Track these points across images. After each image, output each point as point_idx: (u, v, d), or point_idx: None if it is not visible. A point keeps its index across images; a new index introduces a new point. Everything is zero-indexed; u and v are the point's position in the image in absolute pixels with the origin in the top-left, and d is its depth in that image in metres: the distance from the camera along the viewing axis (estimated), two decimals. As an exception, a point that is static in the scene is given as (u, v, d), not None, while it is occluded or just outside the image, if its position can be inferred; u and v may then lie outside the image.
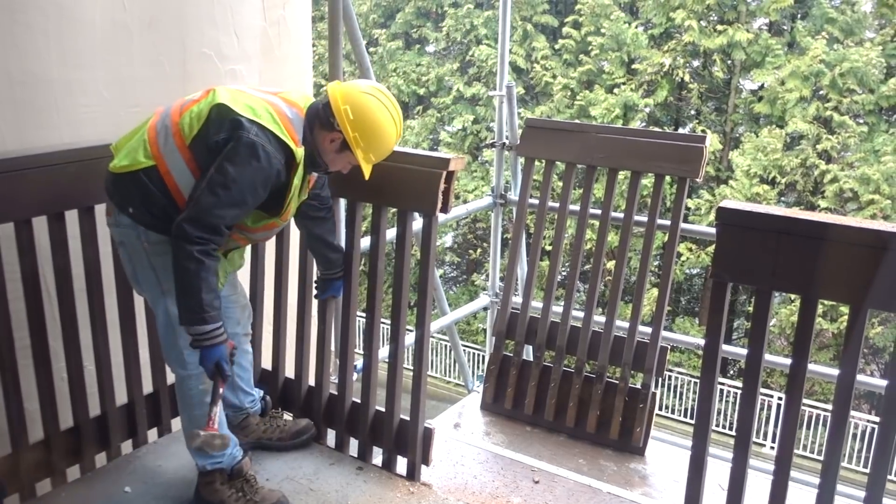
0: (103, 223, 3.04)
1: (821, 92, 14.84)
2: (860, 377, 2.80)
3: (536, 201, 4.44)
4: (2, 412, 2.88)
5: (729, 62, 16.26)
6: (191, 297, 2.55)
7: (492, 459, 3.76)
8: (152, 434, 3.42)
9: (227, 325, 2.91)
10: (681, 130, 17.15)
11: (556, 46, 17.99)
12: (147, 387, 3.35)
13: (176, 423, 3.50)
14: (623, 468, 3.99)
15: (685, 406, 15.10)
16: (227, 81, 3.73)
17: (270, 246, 3.50)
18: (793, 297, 12.22)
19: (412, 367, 3.28)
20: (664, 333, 4.15)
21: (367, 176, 2.77)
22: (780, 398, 13.44)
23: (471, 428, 4.34)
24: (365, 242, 3.42)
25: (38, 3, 2.97)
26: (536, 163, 4.41)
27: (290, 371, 3.58)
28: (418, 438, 3.26)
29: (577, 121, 15.33)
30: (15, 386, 2.85)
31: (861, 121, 14.76)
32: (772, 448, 13.04)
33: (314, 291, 3.41)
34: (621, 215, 4.19)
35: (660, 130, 12.83)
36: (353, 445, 3.43)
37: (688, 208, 15.12)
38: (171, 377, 3.39)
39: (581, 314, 4.31)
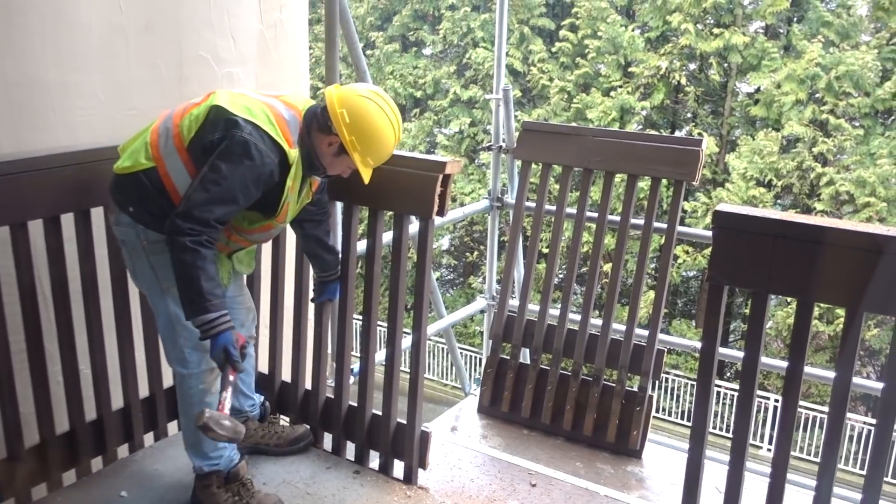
0: (99, 227, 3.05)
1: (817, 95, 14.86)
2: (856, 380, 2.81)
3: (533, 204, 4.44)
4: (-3, 416, 2.87)
5: (725, 65, 16.28)
6: (190, 287, 2.54)
7: (489, 463, 3.75)
8: (149, 438, 3.42)
9: None
10: (677, 133, 17.17)
11: (553, 49, 18.00)
12: (143, 390, 3.34)
13: (172, 427, 3.50)
14: (620, 471, 3.99)
15: (682, 408, 15.11)
16: (224, 84, 3.72)
17: (267, 249, 3.50)
18: (789, 299, 12.24)
19: (409, 371, 3.28)
20: (661, 336, 4.15)
21: (366, 180, 2.77)
22: (776, 400, 13.45)
23: (468, 431, 4.34)
24: (361, 246, 3.42)
25: (35, 6, 2.97)
26: (533, 166, 4.42)
27: (286, 375, 3.58)
28: (415, 442, 3.26)
29: (573, 124, 15.35)
30: (10, 390, 2.84)
31: (857, 124, 14.78)
32: (769, 450, 13.05)
33: (311, 295, 3.42)
34: (618, 218, 4.20)
35: (656, 133, 12.85)
36: (350, 449, 3.43)
37: (684, 211, 15.14)
38: (167, 381, 3.40)
39: (578, 317, 4.31)
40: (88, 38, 3.15)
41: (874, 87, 14.32)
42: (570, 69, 17.54)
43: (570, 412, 4.23)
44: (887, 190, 13.76)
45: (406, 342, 3.69)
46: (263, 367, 3.60)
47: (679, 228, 4.12)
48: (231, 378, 2.65)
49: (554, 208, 4.38)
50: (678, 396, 15.24)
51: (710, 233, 2.64)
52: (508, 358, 4.46)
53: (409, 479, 3.30)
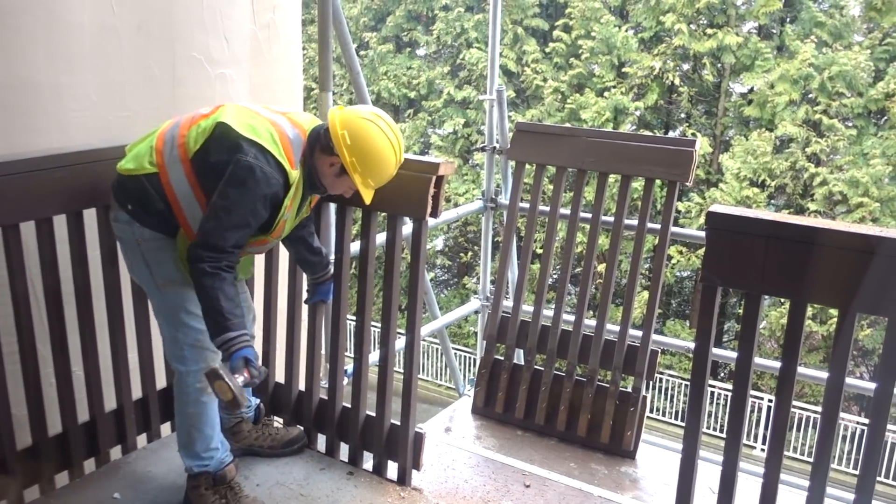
0: (92, 228, 3.04)
1: (810, 95, 14.90)
2: (849, 380, 2.81)
3: (527, 205, 4.44)
4: (-11, 418, 2.86)
5: (718, 66, 16.31)
6: (212, 308, 2.63)
7: (483, 463, 3.76)
8: (142, 440, 3.41)
9: None
10: (671, 134, 17.20)
11: (547, 50, 18.00)
12: (136, 392, 3.33)
13: (165, 429, 3.49)
14: (614, 471, 3.99)
15: (676, 409, 15.13)
16: (217, 85, 3.72)
17: (260, 250, 3.49)
18: (783, 300, 12.26)
19: (403, 372, 3.28)
20: (655, 336, 4.16)
21: (367, 201, 2.84)
22: (770, 400, 13.49)
23: (462, 432, 4.33)
24: (355, 247, 3.42)
25: (28, 7, 2.96)
26: (527, 166, 4.42)
27: (279, 376, 3.57)
28: (409, 443, 3.26)
29: (567, 124, 15.36)
30: (2, 391, 2.83)
31: (850, 124, 14.82)
32: (762, 450, 13.08)
33: (304, 296, 3.41)
34: (612, 219, 4.20)
35: (650, 134, 12.87)
36: (344, 450, 3.43)
37: (678, 211, 15.16)
38: (160, 382, 3.39)
39: (572, 317, 4.31)
40: (81, 40, 3.14)
41: (867, 88, 14.35)
42: (564, 70, 17.55)
43: (564, 413, 4.23)
44: (880, 190, 13.80)
45: (400, 343, 3.68)
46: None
47: (673, 229, 4.12)
48: (246, 375, 2.61)
49: (548, 209, 4.39)
50: (672, 397, 15.27)
51: (703, 233, 2.64)
52: (502, 359, 4.46)
53: (403, 480, 3.30)
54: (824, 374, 2.58)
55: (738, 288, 2.55)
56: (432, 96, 19.57)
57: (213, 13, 3.62)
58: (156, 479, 3.19)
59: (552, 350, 4.30)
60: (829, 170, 14.56)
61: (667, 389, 15.27)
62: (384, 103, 19.90)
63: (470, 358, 15.60)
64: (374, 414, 3.32)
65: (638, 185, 10.62)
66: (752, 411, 13.56)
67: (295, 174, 2.69)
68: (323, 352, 3.56)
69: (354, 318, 3.38)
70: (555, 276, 12.47)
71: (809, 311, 3.04)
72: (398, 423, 3.28)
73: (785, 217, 2.43)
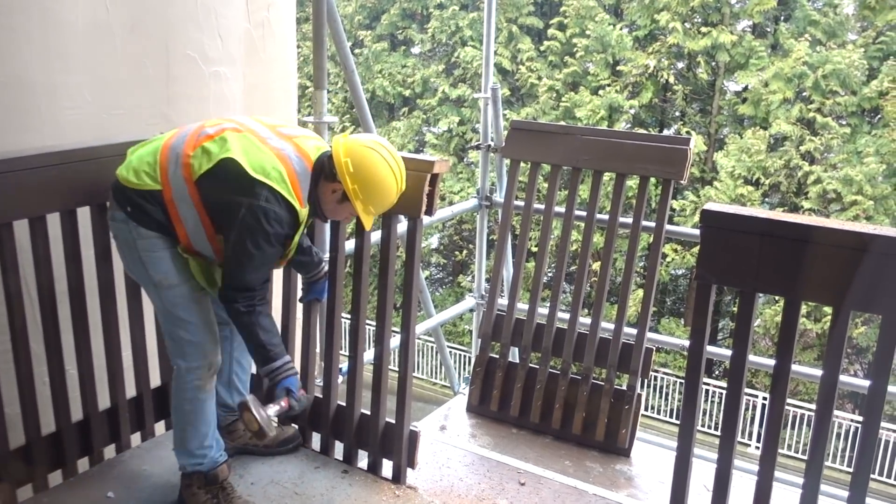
0: (86, 226, 3.03)
1: (804, 94, 14.92)
2: (843, 377, 2.82)
3: (522, 203, 4.44)
4: (-17, 417, 2.85)
5: (713, 64, 16.33)
6: (254, 342, 2.80)
7: (478, 462, 3.75)
8: (135, 439, 3.40)
9: None
10: (665, 132, 17.20)
11: (542, 48, 18.00)
12: (130, 391, 3.33)
13: (160, 428, 3.48)
14: (609, 469, 4.00)
15: (671, 407, 15.16)
16: (212, 84, 3.71)
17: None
18: (777, 298, 12.29)
19: (398, 370, 3.28)
20: (649, 334, 4.16)
21: (367, 227, 2.91)
22: (764, 398, 13.52)
23: (457, 430, 4.33)
24: (350, 245, 3.41)
25: (21, 6, 2.95)
26: (522, 164, 4.42)
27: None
28: (404, 441, 3.26)
29: (562, 122, 15.35)
30: (-4, 391, 2.82)
31: (844, 122, 14.85)
32: (757, 448, 13.10)
33: (299, 294, 3.41)
34: (606, 217, 4.20)
35: (644, 132, 12.87)
36: (339, 448, 3.42)
37: (672, 209, 15.18)
38: (154, 381, 3.39)
39: (567, 315, 4.31)
40: (75, 38, 3.13)
41: (860, 86, 14.38)
42: (559, 68, 17.56)
43: (558, 411, 4.23)
44: (874, 188, 13.83)
45: (395, 341, 3.68)
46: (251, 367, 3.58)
47: (667, 227, 4.12)
48: (283, 404, 2.82)
49: (543, 207, 4.39)
50: (667, 395, 15.29)
51: (698, 231, 2.64)
52: (497, 357, 4.46)
53: (398, 478, 3.30)
54: (818, 372, 2.58)
55: (732, 286, 2.55)
56: (427, 94, 19.56)
57: (207, 11, 3.61)
58: (150, 478, 3.19)
59: (547, 348, 4.30)
60: (823, 168, 14.60)
61: (661, 388, 15.30)
62: (379, 101, 19.91)
63: (465, 356, 15.62)
64: (368, 412, 3.32)
65: (633, 183, 10.62)
66: (746, 409, 13.60)
67: (304, 212, 2.75)
68: (318, 350, 3.55)
69: (349, 316, 3.37)
70: (549, 275, 12.46)
71: (804, 309, 3.04)
72: (393, 422, 3.28)
73: (779, 215, 2.43)
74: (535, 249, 12.68)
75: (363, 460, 3.39)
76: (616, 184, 4.18)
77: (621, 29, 16.83)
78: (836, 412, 2.67)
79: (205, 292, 2.87)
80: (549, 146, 4.27)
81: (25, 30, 2.97)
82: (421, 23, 20.01)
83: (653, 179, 4.17)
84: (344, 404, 3.38)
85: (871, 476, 2.56)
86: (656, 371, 15.14)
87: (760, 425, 13.45)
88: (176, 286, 2.79)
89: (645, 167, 4.05)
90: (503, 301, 4.56)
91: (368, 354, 3.78)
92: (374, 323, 3.30)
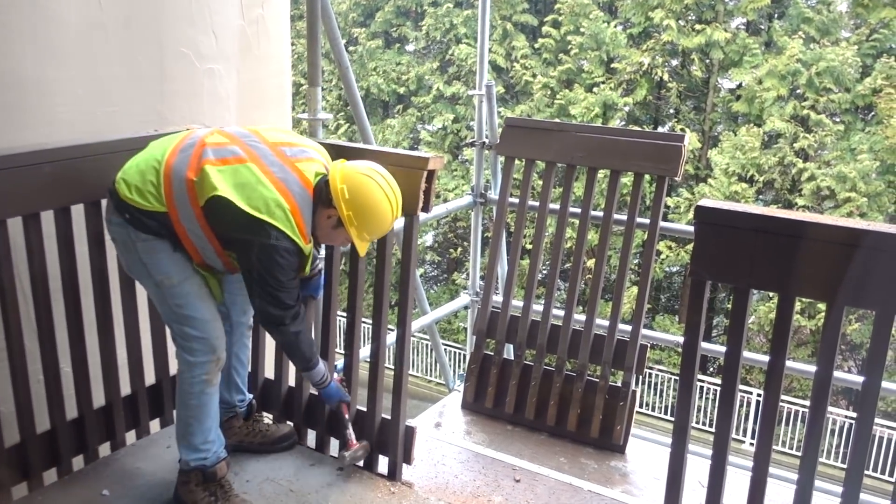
0: (80, 224, 3.02)
1: (798, 91, 14.96)
2: (837, 374, 2.82)
3: (516, 200, 4.44)
4: (-23, 415, 2.84)
5: (707, 61, 16.35)
6: (298, 356, 2.98)
7: (473, 458, 3.76)
8: (130, 436, 3.39)
9: (233, 314, 3.14)
10: (660, 129, 17.22)
11: (536, 45, 18.01)
12: (125, 389, 3.32)
13: (155, 426, 3.48)
14: (604, 466, 4.00)
15: (665, 403, 15.18)
16: (205, 81, 3.70)
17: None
18: (771, 294, 12.31)
19: (393, 367, 3.28)
20: (644, 331, 4.17)
21: (362, 253, 2.92)
22: (758, 395, 13.55)
23: (452, 427, 4.34)
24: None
25: (14, 2, 2.94)
26: (516, 162, 4.42)
27: (269, 372, 3.57)
28: (399, 438, 3.26)
29: (556, 120, 15.37)
30: (-10, 389, 2.82)
31: (837, 119, 14.89)
32: (751, 444, 13.14)
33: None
34: (601, 214, 4.21)
35: (639, 129, 12.86)
36: (334, 445, 3.42)
37: (667, 206, 15.20)
38: (149, 378, 3.38)
39: (562, 312, 4.31)
40: (67, 34, 3.12)
41: (854, 83, 14.42)
42: (553, 65, 17.56)
43: (553, 407, 4.23)
44: (867, 185, 13.87)
45: (390, 338, 3.68)
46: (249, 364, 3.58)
47: (662, 224, 4.13)
48: (347, 416, 3.18)
49: (537, 204, 4.39)
50: (661, 392, 15.32)
51: (692, 228, 2.64)
52: (492, 354, 4.46)
53: (394, 474, 3.30)
54: (812, 368, 2.59)
55: (726, 282, 2.56)
56: (421, 92, 19.55)
57: (201, 8, 3.60)
58: (145, 475, 3.18)
59: (542, 345, 4.31)
60: (817, 165, 14.63)
61: (656, 385, 15.33)
62: (373, 99, 19.89)
63: (460, 353, 15.60)
64: (364, 409, 3.32)
65: (627, 180, 10.65)
66: (740, 406, 13.63)
67: (308, 248, 2.76)
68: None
69: (345, 313, 3.37)
70: (544, 272, 12.48)
71: (798, 306, 3.05)
72: (389, 418, 3.28)
73: (773, 211, 2.44)
74: (529, 246, 12.71)
75: (358, 457, 3.39)
76: (610, 181, 4.19)
77: (615, 26, 16.84)
78: (830, 408, 2.68)
79: (208, 287, 2.88)
80: (544, 143, 4.27)
81: (19, 26, 2.96)
82: (415, 20, 20.00)
83: (647, 176, 4.18)
84: (339, 401, 3.37)
85: (865, 472, 2.56)
86: (651, 368, 15.17)
87: (755, 422, 13.48)
88: (178, 284, 2.79)
89: (639, 164, 4.05)
90: (498, 298, 4.56)
91: (364, 351, 3.78)
92: (369, 320, 3.30)
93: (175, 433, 3.02)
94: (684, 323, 2.65)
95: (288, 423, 3.50)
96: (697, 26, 15.78)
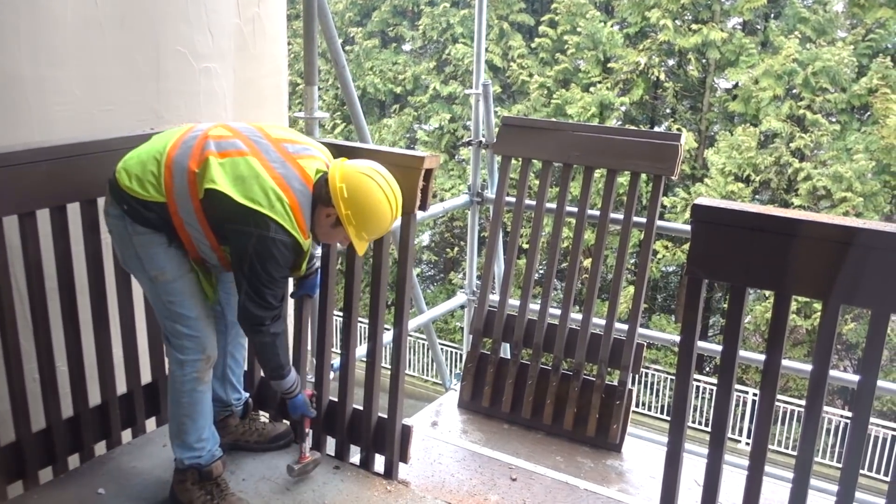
0: (76, 222, 3.02)
1: (794, 91, 14.97)
2: (833, 373, 2.83)
3: (513, 199, 4.45)
4: (-27, 414, 2.84)
5: (703, 61, 16.37)
6: (270, 361, 2.93)
7: (469, 457, 3.76)
8: (126, 435, 3.39)
9: (228, 313, 3.12)
10: (656, 129, 17.24)
11: (533, 45, 18.01)
12: (121, 387, 3.32)
13: (151, 424, 3.47)
14: (600, 465, 4.01)
15: (661, 402, 15.20)
16: (202, 80, 3.70)
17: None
18: (767, 293, 12.34)
19: (390, 366, 3.28)
20: (640, 330, 4.17)
21: (360, 252, 2.90)
22: (754, 394, 13.57)
23: (448, 426, 4.34)
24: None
25: (10, 0, 2.93)
26: (513, 161, 4.42)
27: (266, 370, 3.56)
28: (396, 436, 3.26)
29: (553, 119, 15.38)
30: (-14, 387, 2.81)
31: (833, 119, 14.92)
32: (747, 444, 13.15)
33: (290, 290, 3.40)
34: (597, 213, 4.21)
35: (635, 129, 12.86)
36: (331, 444, 3.42)
37: (663, 206, 15.21)
38: (145, 377, 3.38)
39: (558, 312, 4.32)
40: (64, 33, 3.12)
41: (850, 83, 14.44)
42: (550, 65, 17.57)
43: (550, 406, 4.24)
44: (863, 185, 13.90)
45: (387, 337, 3.68)
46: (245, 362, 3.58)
47: (658, 223, 4.13)
48: (307, 430, 3.20)
49: (534, 203, 4.39)
50: (658, 391, 15.33)
51: (689, 227, 2.65)
52: (489, 353, 4.47)
53: (390, 473, 3.30)
54: (808, 367, 2.60)
55: (722, 281, 2.56)
56: (418, 91, 19.54)
57: (197, 7, 3.60)
58: (141, 474, 3.18)
59: (538, 344, 4.31)
60: (813, 165, 14.66)
61: (652, 384, 15.34)
62: (370, 98, 19.88)
63: (456, 353, 15.61)
64: (361, 408, 3.32)
65: (623, 179, 10.66)
66: (736, 405, 13.65)
67: (308, 243, 2.75)
68: (309, 347, 3.55)
69: (341, 312, 3.37)
70: (541, 271, 12.50)
71: (794, 306, 3.06)
72: (385, 417, 3.28)
73: (769, 209, 2.44)
74: (526, 246, 12.72)
75: (355, 455, 3.39)
76: (607, 180, 4.19)
77: (612, 26, 16.86)
78: (825, 408, 2.69)
79: (202, 287, 2.88)
80: (540, 142, 4.27)
81: (14, 24, 2.95)
82: (412, 20, 19.99)
83: (644, 176, 4.18)
84: (336, 400, 3.37)
85: (861, 471, 2.57)
86: (647, 367, 15.18)
87: (751, 422, 13.50)
88: (172, 281, 2.78)
89: (636, 163, 4.05)
90: (494, 297, 4.57)
91: (360, 350, 3.78)
92: (366, 319, 3.30)
93: (168, 432, 3.02)
94: (681, 322, 2.66)
95: (284, 421, 3.50)
96: (694, 26, 15.80)
